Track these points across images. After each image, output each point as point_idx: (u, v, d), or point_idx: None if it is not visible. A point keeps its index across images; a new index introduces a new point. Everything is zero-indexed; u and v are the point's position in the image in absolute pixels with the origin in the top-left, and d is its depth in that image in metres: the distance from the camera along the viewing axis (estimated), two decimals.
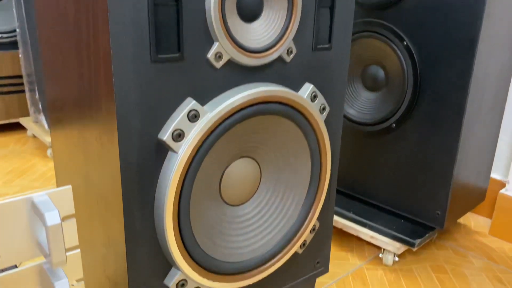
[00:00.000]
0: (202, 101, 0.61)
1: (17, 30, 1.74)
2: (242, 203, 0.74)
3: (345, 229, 1.16)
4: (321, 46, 0.71)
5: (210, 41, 0.59)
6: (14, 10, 1.73)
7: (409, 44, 1.04)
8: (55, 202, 0.46)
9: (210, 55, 0.59)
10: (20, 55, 1.78)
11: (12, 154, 1.76)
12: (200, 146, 0.60)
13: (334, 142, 0.80)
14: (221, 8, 0.58)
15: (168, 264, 0.65)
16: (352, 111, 1.15)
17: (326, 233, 0.86)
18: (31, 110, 1.86)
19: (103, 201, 0.64)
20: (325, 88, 0.74)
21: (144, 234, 0.61)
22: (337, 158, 0.82)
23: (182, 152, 0.59)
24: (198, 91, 0.60)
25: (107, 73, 0.54)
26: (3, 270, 0.48)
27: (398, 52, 1.05)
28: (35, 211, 0.45)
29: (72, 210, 0.48)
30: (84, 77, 0.62)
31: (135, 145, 0.57)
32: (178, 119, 0.58)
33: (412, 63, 1.04)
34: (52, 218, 0.43)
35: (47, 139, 1.70)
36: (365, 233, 1.12)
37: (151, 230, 0.62)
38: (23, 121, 1.92)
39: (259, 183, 0.75)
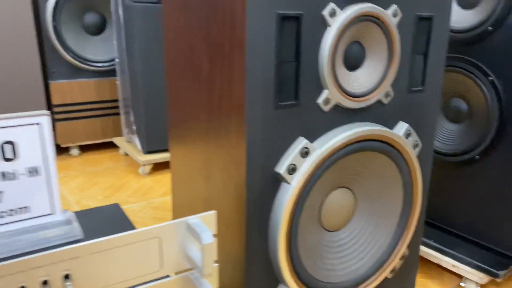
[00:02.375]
0: (311, 139, 0.70)
1: (116, 60, 1.96)
2: (339, 229, 0.82)
3: (426, 257, 1.19)
4: (415, 88, 0.78)
5: (320, 89, 0.68)
6: (114, 42, 1.95)
7: (494, 79, 1.07)
8: (205, 223, 0.57)
9: (320, 100, 0.69)
10: (117, 82, 2.00)
11: (107, 171, 1.96)
12: (310, 179, 0.69)
13: (424, 175, 0.86)
14: (332, 62, 0.67)
15: (276, 282, 0.74)
16: (435, 142, 1.19)
17: (414, 260, 0.91)
18: (124, 130, 2.07)
19: (223, 222, 0.75)
20: (417, 126, 0.81)
21: (259, 254, 0.71)
22: (426, 190, 0.88)
23: (295, 184, 0.68)
24: (308, 130, 0.69)
25: (239, 116, 0.65)
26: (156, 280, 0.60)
27: (483, 87, 1.08)
28: (191, 231, 0.56)
29: (215, 231, 0.59)
30: (213, 115, 0.73)
31: (258, 176, 0.67)
32: (292, 155, 0.67)
33: (497, 98, 1.07)
34: (207, 237, 0.54)
35: (139, 157, 1.88)
36: (447, 262, 1.14)
37: (265, 250, 0.71)
38: (116, 140, 2.13)
39: (355, 211, 0.82)
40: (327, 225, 0.80)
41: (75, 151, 2.12)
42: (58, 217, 0.55)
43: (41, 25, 1.92)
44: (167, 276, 0.59)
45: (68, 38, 1.97)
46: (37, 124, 0.51)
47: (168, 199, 1.68)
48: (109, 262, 0.52)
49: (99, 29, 2.08)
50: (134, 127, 1.95)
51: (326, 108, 0.70)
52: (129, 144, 2.05)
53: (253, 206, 0.68)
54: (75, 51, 1.99)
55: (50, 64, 1.97)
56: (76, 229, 0.56)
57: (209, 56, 0.71)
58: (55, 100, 2.00)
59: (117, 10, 1.86)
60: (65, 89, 2.01)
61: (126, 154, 2.14)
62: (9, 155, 0.50)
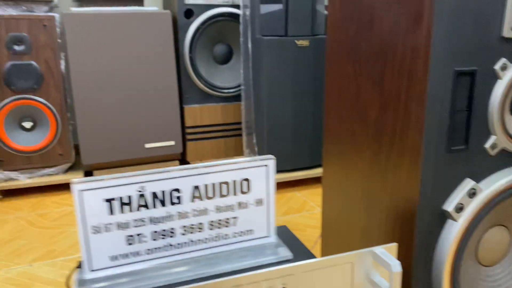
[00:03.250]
0: (478, 180, 0.76)
1: (242, 86, 2.15)
2: (494, 264, 0.85)
3: None
4: None
5: (488, 135, 0.74)
6: (241, 71, 2.14)
7: None
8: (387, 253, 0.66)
9: (488, 145, 0.74)
10: (242, 106, 2.18)
11: None
12: (475, 218, 0.75)
13: None
14: (501, 110, 0.73)
15: None
16: None
17: None
18: (246, 150, 2.24)
19: None
20: None
21: (423, 284, 0.78)
22: None
23: (462, 222, 0.74)
24: (475, 173, 0.75)
25: (413, 158, 0.73)
26: None
27: None
28: (377, 259, 0.65)
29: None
30: (380, 155, 0.82)
31: (427, 213, 0.74)
32: (460, 195, 0.74)
33: None
34: (396, 266, 0.62)
35: None
36: None
37: (428, 281, 0.78)
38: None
39: (510, 248, 0.85)
40: (483, 260, 0.84)
41: None
42: (272, 239, 0.68)
43: (179, 56, 2.18)
44: None
45: (200, 67, 2.21)
46: (266, 166, 0.65)
47: (291, 219, 1.80)
48: (312, 281, 0.63)
49: (226, 58, 2.30)
50: (256, 148, 2.11)
51: (493, 152, 0.75)
52: None
53: (421, 240, 0.75)
54: (206, 79, 2.23)
55: (185, 91, 2.22)
56: (287, 251, 0.68)
57: (379, 102, 0.81)
58: (188, 122, 2.25)
59: (246, 43, 2.06)
60: (196, 113, 2.25)
61: None
62: (245, 189, 0.64)
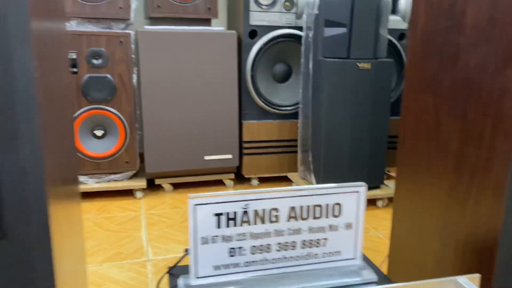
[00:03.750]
0: None
1: (300, 105, 2.21)
2: None
3: None
4: None
5: None
6: (300, 90, 2.20)
7: None
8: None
9: None
10: (298, 124, 2.24)
11: None
12: None
13: None
14: None
15: None
16: None
17: None
18: (300, 167, 2.29)
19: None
20: None
21: None
22: None
23: None
24: None
25: (497, 192, 0.75)
26: None
27: None
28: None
29: None
30: (460, 187, 0.85)
31: (509, 242, 0.76)
32: None
33: None
34: None
35: None
36: None
37: None
38: (290, 175, 2.37)
39: None
40: None
41: (255, 182, 2.42)
42: (358, 261, 0.73)
43: (241, 74, 2.28)
44: None
45: (260, 85, 2.29)
46: (357, 192, 0.70)
47: None
48: None
49: (285, 77, 2.38)
50: (311, 166, 2.16)
51: None
52: (303, 180, 2.27)
53: (501, 271, 0.77)
54: (265, 96, 2.30)
55: (244, 107, 2.31)
56: (372, 273, 0.72)
57: (460, 136, 0.84)
58: (245, 137, 2.33)
59: (307, 63, 2.12)
60: (254, 128, 2.33)
61: None
62: (336, 212, 0.69)
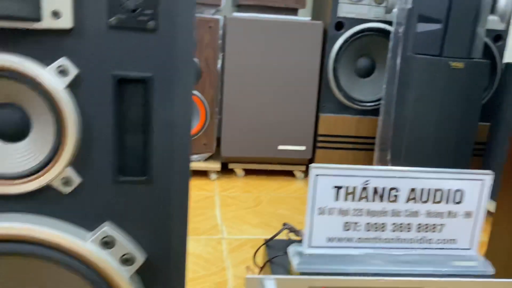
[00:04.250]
0: None
1: (382, 101, 2.15)
2: None
3: None
4: (125, 179, 0.56)
5: None
6: (384, 86, 2.15)
7: None
8: None
9: None
10: (379, 121, 2.19)
11: None
12: None
13: None
14: None
15: None
16: None
17: None
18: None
19: None
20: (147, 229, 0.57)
21: None
22: None
23: None
24: None
25: None
26: None
27: None
28: None
29: None
30: None
31: None
32: None
33: None
34: None
35: None
36: None
37: None
38: None
39: None
40: None
41: None
42: (474, 252, 0.70)
43: (323, 66, 2.26)
44: None
45: (341, 79, 2.26)
46: (482, 180, 0.67)
47: None
48: None
49: (368, 72, 2.33)
50: (389, 165, 2.10)
51: None
52: None
53: None
54: (346, 90, 2.27)
55: (322, 100, 2.29)
56: (488, 266, 0.69)
57: None
58: (321, 130, 2.31)
59: (394, 59, 2.06)
60: (331, 122, 2.31)
61: None
62: (457, 199, 0.67)
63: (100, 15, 0.51)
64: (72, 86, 0.53)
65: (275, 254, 0.83)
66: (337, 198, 0.66)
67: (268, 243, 0.89)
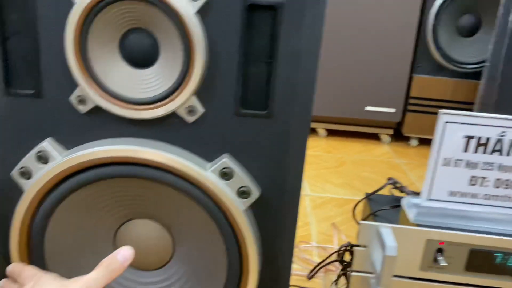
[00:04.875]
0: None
1: (487, 63, 1.95)
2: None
3: None
4: (248, 111, 0.56)
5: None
6: (490, 46, 1.94)
7: None
8: None
9: (73, 97, 0.56)
10: (481, 86, 2.00)
11: None
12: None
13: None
14: (79, 49, 0.52)
15: None
16: None
17: None
18: None
19: None
20: (256, 165, 0.57)
21: None
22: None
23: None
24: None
25: None
26: None
27: None
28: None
29: None
30: None
31: None
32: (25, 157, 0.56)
33: None
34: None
35: None
36: None
37: None
38: None
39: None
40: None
41: (414, 142, 2.28)
42: None
43: (421, 23, 2.09)
44: None
45: (441, 38, 2.08)
46: None
47: None
48: None
49: (471, 31, 2.12)
50: None
51: (83, 109, 0.56)
52: None
53: None
54: (445, 50, 2.09)
55: (418, 59, 2.14)
56: None
57: None
58: (413, 93, 2.17)
59: (506, 16, 1.84)
60: (425, 84, 2.16)
61: None
62: None
63: None
64: (202, 11, 0.52)
65: (379, 208, 0.79)
66: (466, 149, 0.60)
67: (369, 196, 0.86)
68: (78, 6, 0.51)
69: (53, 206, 0.56)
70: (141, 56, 0.55)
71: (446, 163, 0.60)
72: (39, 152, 0.56)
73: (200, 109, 0.56)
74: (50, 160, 0.56)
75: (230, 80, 0.54)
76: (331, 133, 2.34)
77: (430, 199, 0.62)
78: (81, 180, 0.55)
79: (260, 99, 0.56)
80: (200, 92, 0.55)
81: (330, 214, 1.53)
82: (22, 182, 0.57)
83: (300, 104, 0.55)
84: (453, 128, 0.59)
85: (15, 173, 0.57)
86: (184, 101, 0.54)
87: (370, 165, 2.01)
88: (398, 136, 2.32)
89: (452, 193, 0.62)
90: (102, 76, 0.54)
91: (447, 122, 0.59)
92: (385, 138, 2.29)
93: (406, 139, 2.31)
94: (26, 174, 0.57)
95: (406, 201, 0.66)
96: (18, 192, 0.57)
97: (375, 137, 2.32)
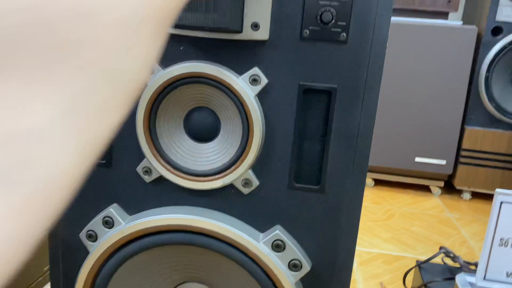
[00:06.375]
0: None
1: None
2: None
3: None
4: (301, 185, 0.58)
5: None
6: None
7: None
8: None
9: (140, 168, 0.61)
10: None
11: None
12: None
13: None
14: (147, 124, 0.57)
15: None
16: None
17: None
18: None
19: None
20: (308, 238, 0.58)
21: None
22: None
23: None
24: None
25: None
26: None
27: None
28: None
29: None
30: None
31: None
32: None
33: None
34: None
35: None
36: None
37: None
38: None
39: None
40: None
41: (467, 195, 2.19)
42: None
43: (473, 74, 2.06)
44: None
45: (495, 89, 2.04)
46: None
47: None
48: None
49: None
50: None
51: (148, 179, 0.61)
52: None
53: None
54: (498, 102, 2.04)
55: (469, 111, 2.09)
56: None
57: None
58: (465, 145, 2.11)
59: None
60: (478, 136, 2.09)
61: None
62: None
63: (295, 27, 0.53)
64: (261, 94, 0.56)
65: (431, 279, 0.77)
66: None
67: (421, 265, 0.84)
68: (150, 87, 0.56)
69: (115, 267, 0.60)
70: (203, 132, 0.59)
71: (503, 243, 0.59)
72: (105, 217, 0.61)
73: (255, 182, 0.59)
74: (115, 224, 0.61)
75: (285, 155, 0.57)
76: (378, 183, 2.30)
77: (486, 279, 0.60)
78: (142, 245, 0.59)
79: (313, 175, 0.58)
80: (256, 166, 0.58)
81: (378, 272, 1.49)
82: (88, 243, 0.62)
83: (352, 180, 0.57)
84: (509, 209, 0.58)
85: (82, 235, 0.62)
86: (241, 174, 0.58)
87: (420, 218, 1.95)
88: (450, 189, 2.24)
89: (510, 274, 0.60)
90: (167, 149, 0.59)
91: (502, 202, 0.58)
92: (436, 190, 2.22)
93: (458, 192, 2.23)
94: (93, 237, 0.61)
95: (461, 279, 0.64)
96: (83, 252, 0.62)
97: (425, 188, 2.26)
